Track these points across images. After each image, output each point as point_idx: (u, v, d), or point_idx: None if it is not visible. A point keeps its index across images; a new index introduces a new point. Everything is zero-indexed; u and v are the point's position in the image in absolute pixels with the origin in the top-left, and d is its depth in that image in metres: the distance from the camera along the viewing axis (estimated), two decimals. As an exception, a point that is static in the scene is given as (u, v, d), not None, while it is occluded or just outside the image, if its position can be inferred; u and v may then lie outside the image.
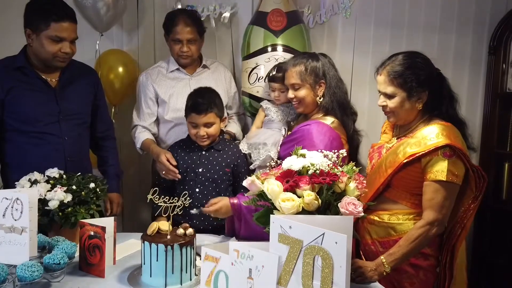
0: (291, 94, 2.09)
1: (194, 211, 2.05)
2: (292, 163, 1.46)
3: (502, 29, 2.64)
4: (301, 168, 1.45)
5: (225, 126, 2.52)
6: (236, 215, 1.93)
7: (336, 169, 1.44)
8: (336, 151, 1.55)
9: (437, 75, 1.87)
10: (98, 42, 2.14)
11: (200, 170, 2.24)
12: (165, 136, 2.56)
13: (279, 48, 2.53)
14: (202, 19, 2.85)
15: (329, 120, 2.02)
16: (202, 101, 2.19)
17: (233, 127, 2.63)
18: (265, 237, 1.55)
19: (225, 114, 2.43)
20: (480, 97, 2.78)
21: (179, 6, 2.85)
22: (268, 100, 2.48)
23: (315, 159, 1.47)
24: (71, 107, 2.14)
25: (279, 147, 2.21)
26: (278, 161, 1.57)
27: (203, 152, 2.27)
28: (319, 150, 1.57)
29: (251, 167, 2.31)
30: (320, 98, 2.05)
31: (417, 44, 2.71)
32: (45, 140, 2.08)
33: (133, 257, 1.79)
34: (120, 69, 2.73)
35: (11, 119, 2.05)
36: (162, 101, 2.53)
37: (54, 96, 2.10)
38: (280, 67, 2.29)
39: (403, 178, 1.82)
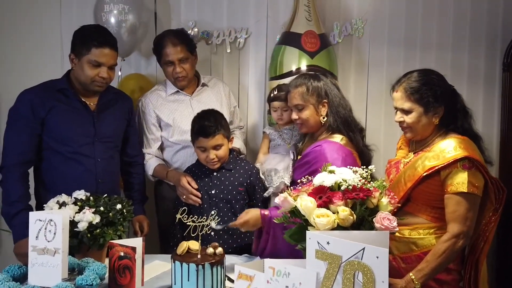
0: (294, 115, 2.08)
1: (217, 226, 1.83)
2: (324, 179, 1.47)
3: (515, 46, 2.67)
4: (333, 184, 1.46)
5: None
6: (265, 227, 1.90)
7: (368, 185, 1.45)
8: (365, 167, 1.56)
9: (451, 91, 1.91)
10: (120, 67, 2.18)
11: (213, 192, 2.21)
12: (171, 159, 2.50)
13: (315, 70, 2.49)
14: (218, 43, 2.92)
15: (338, 138, 2.01)
16: (209, 123, 2.15)
17: (236, 142, 2.56)
18: (289, 255, 1.54)
19: (231, 134, 2.40)
20: (496, 114, 2.79)
21: (193, 32, 2.88)
22: (270, 125, 2.49)
23: (346, 174, 1.48)
24: (106, 130, 2.19)
25: (291, 172, 2.19)
26: (292, 187, 1.55)
27: (215, 173, 2.24)
28: None
29: (265, 194, 2.26)
30: (323, 118, 2.04)
31: (430, 62, 2.74)
32: (78, 160, 2.12)
33: (160, 278, 1.78)
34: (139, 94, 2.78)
35: (48, 137, 2.11)
36: (166, 125, 2.47)
37: (91, 118, 2.16)
38: (281, 87, 2.32)
39: (423, 191, 1.83)
